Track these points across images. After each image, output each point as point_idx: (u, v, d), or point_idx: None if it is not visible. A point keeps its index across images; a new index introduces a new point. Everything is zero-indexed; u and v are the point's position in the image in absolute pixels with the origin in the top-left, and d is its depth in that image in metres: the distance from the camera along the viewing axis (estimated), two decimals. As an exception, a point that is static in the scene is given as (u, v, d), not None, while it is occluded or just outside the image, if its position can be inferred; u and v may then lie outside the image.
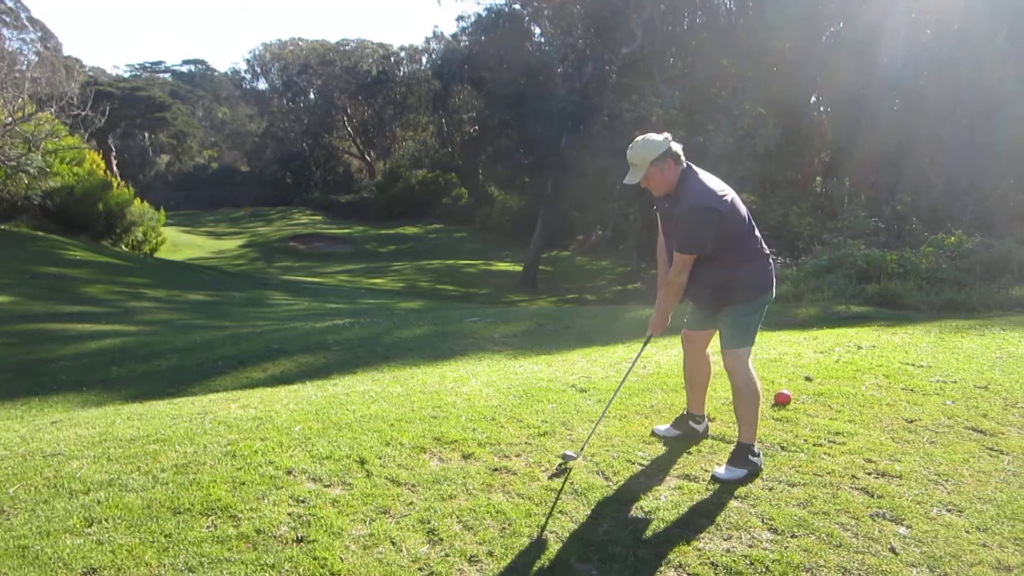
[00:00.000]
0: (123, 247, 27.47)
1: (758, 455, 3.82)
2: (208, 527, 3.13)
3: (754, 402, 3.82)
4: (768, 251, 3.95)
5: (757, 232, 3.89)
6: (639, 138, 3.78)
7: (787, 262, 14.70)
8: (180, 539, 3.04)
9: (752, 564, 2.99)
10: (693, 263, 3.75)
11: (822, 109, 28.12)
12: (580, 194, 31.52)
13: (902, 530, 3.29)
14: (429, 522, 3.22)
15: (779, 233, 18.00)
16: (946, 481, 3.78)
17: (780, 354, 6.23)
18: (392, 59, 63.52)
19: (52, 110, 23.78)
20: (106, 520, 3.18)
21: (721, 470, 3.75)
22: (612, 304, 22.12)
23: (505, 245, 42.92)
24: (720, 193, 3.72)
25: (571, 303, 26.54)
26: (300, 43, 66.68)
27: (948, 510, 3.49)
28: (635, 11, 28.09)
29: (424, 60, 60.36)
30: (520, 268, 34.83)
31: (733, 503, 3.48)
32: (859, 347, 6.57)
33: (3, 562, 2.87)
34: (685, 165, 3.78)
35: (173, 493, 3.40)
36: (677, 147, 3.76)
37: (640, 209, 25.98)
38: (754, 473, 3.74)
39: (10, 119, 22.42)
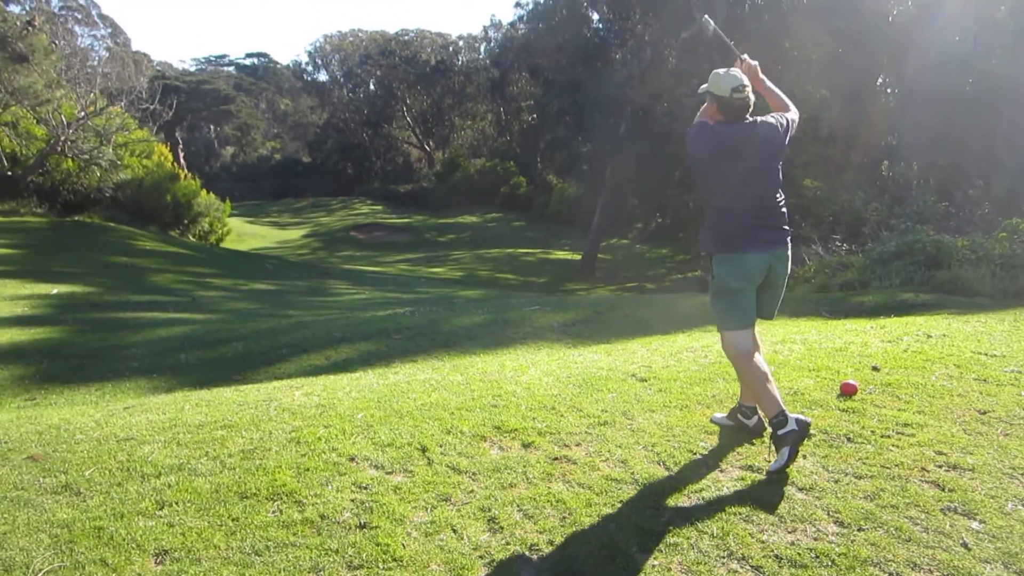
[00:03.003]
0: (190, 237, 28.17)
1: (787, 420, 3.60)
2: (274, 512, 3.20)
3: (748, 378, 3.81)
4: (763, 218, 3.82)
5: (760, 192, 3.83)
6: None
7: (852, 248, 14.35)
8: (247, 523, 3.11)
9: (818, 557, 2.93)
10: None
11: (889, 91, 27.38)
12: (639, 181, 31.26)
13: (975, 525, 3.19)
14: (489, 510, 3.24)
15: (843, 219, 17.59)
16: (1021, 475, 3.65)
17: (846, 343, 6.08)
18: (451, 48, 63.81)
19: (122, 104, 24.54)
20: (176, 503, 3.27)
21: (718, 416, 4.21)
22: (672, 293, 21.89)
23: (564, 233, 42.79)
24: (699, 132, 3.86)
25: (630, 292, 26.35)
26: (360, 35, 67.39)
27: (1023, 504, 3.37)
28: (695, -6, 27.66)
29: (482, 49, 60.47)
30: (579, 256, 34.70)
31: (798, 495, 3.42)
32: (928, 336, 6.38)
33: (80, 542, 2.98)
34: (725, 119, 3.80)
35: (240, 478, 3.48)
36: (727, 89, 3.72)
37: (698, 197, 25.68)
38: (799, 436, 3.57)
39: (83, 113, 23.17)
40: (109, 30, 64.49)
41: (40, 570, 2.80)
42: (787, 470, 3.61)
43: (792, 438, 3.56)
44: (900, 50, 22.59)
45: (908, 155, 23.29)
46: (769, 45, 25.88)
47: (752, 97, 3.78)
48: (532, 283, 29.15)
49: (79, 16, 61.37)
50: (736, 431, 4.11)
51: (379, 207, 53.77)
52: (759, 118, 3.81)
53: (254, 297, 15.76)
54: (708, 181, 3.92)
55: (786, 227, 3.90)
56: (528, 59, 35.27)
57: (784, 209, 3.92)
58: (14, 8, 29.62)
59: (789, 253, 3.92)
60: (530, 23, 35.67)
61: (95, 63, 30.16)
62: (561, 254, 37.91)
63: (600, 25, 35.20)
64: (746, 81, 3.77)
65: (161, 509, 3.24)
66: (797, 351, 5.83)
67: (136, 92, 25.39)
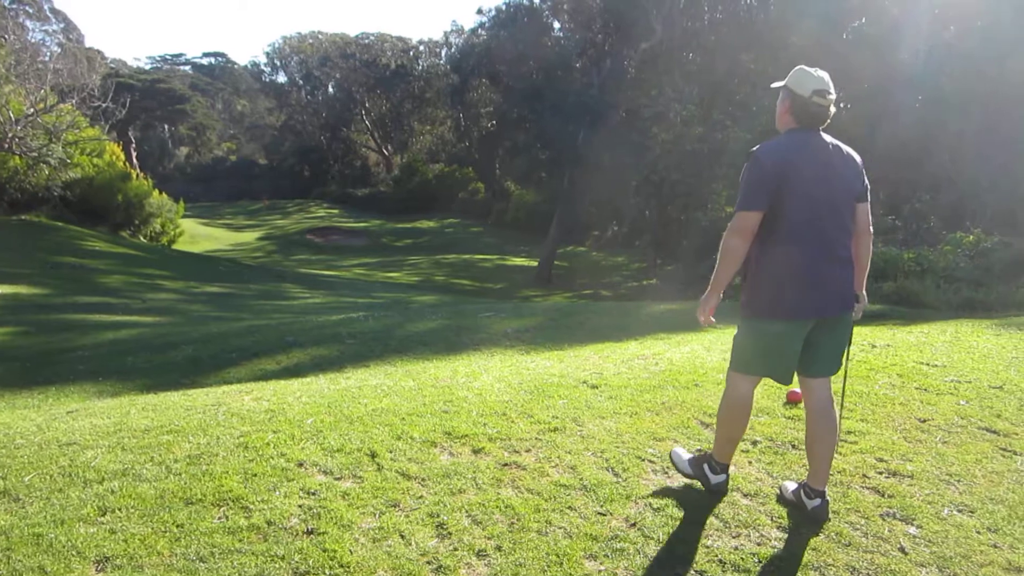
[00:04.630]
0: (141, 238, 27.69)
1: (716, 473, 3.49)
2: (220, 518, 3.16)
3: (724, 417, 3.48)
4: (826, 268, 3.23)
5: (834, 235, 3.24)
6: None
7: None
8: (192, 529, 3.06)
9: (760, 562, 2.99)
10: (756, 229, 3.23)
11: (842, 105, 27.94)
12: (596, 189, 31.50)
13: (912, 530, 3.28)
14: (438, 516, 3.23)
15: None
16: (958, 481, 3.76)
17: (794, 352, 6.20)
18: (411, 53, 63.74)
19: (74, 101, 24.03)
20: (119, 509, 3.21)
21: (680, 451, 3.74)
22: (627, 300, 22.06)
23: (521, 240, 42.92)
24: (784, 144, 3.24)
25: (586, 299, 26.50)
26: (320, 36, 66.99)
27: (959, 510, 3.47)
28: (655, 6, 28.00)
29: (443, 54, 60.44)
30: (536, 263, 34.85)
31: (743, 500, 3.48)
32: (873, 346, 6.53)
33: (18, 549, 2.91)
34: (796, 127, 3.28)
35: (186, 484, 3.43)
36: (808, 89, 3.23)
37: (656, 205, 25.93)
38: (706, 485, 3.51)
39: (32, 110, 22.64)
40: (62, 25, 63.22)
41: (-25, 578, 2.73)
42: (733, 476, 3.67)
43: (701, 479, 3.55)
44: (853, 67, 23.05)
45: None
46: (727, 58, 26.32)
47: (834, 109, 3.27)
48: (489, 289, 29.17)
49: (30, 10, 60.05)
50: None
51: (336, 211, 53.44)
52: (835, 140, 3.31)
53: (206, 300, 15.54)
54: (778, 203, 3.17)
55: (852, 290, 3.36)
56: (488, 66, 35.37)
57: (853, 270, 3.35)
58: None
59: (852, 314, 3.41)
60: (491, 30, 35.79)
61: (46, 59, 29.54)
62: (518, 260, 38.01)
63: (561, 34, 35.46)
64: (832, 89, 3.24)
65: (103, 515, 3.17)
66: (746, 360, 5.92)
67: (88, 89, 24.86)
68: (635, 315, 9.94)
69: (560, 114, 30.15)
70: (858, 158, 3.36)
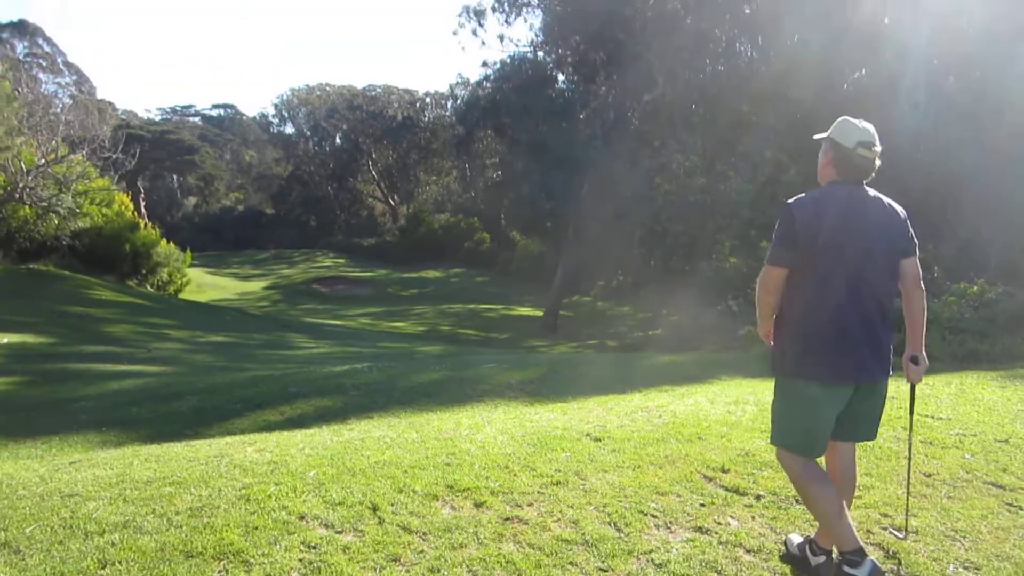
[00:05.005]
0: (148, 287, 27.83)
1: (863, 561, 3.04)
2: (220, 571, 3.15)
3: (810, 499, 3.19)
4: (861, 330, 3.11)
5: (870, 291, 3.12)
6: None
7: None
8: (191, 584, 3.05)
9: (763, 620, 2.96)
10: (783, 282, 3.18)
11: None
12: (601, 240, 31.62)
13: (917, 588, 3.25)
14: (439, 571, 3.22)
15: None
16: (963, 537, 3.73)
17: (797, 405, 6.19)
18: (417, 104, 64.60)
19: (84, 152, 24.36)
20: (119, 562, 3.20)
21: (795, 537, 3.49)
22: (633, 350, 22.03)
23: (526, 289, 43.00)
24: (818, 197, 3.16)
25: (592, 349, 26.45)
26: (327, 88, 68.02)
27: (965, 567, 3.44)
28: (657, 59, 28.40)
29: (449, 106, 61.21)
30: (541, 313, 34.84)
31: (745, 557, 3.45)
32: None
33: (17, 603, 2.90)
34: (838, 179, 3.20)
35: (187, 536, 3.43)
36: (852, 140, 3.15)
37: (660, 256, 25.99)
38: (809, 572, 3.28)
39: (43, 160, 22.95)
40: (74, 78, 64.43)
41: (-27, 632, 2.72)
42: (736, 531, 3.65)
43: (810, 570, 3.27)
44: (852, 116, 23.31)
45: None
46: (728, 109, 26.62)
47: (879, 162, 3.19)
48: (494, 339, 29.14)
49: (44, 63, 61.30)
50: (692, 496, 4.13)
51: (342, 260, 53.70)
52: (878, 194, 3.22)
53: (211, 350, 15.56)
54: (809, 258, 3.09)
55: (889, 353, 3.24)
56: (493, 118, 35.81)
57: (891, 332, 3.25)
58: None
59: (887, 382, 3.31)
60: (496, 83, 36.28)
61: (58, 110, 30.03)
62: (524, 310, 38.03)
63: (565, 86, 35.93)
64: (878, 140, 3.16)
65: (103, 568, 3.16)
66: (750, 412, 5.92)
67: (99, 141, 25.21)
68: (638, 366, 9.94)
69: (564, 165, 30.40)
70: (902, 212, 3.24)
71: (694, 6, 28.48)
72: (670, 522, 3.78)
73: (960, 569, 3.42)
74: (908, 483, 3.77)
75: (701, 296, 20.64)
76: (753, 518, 3.86)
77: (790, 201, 3.17)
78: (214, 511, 3.71)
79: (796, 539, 3.47)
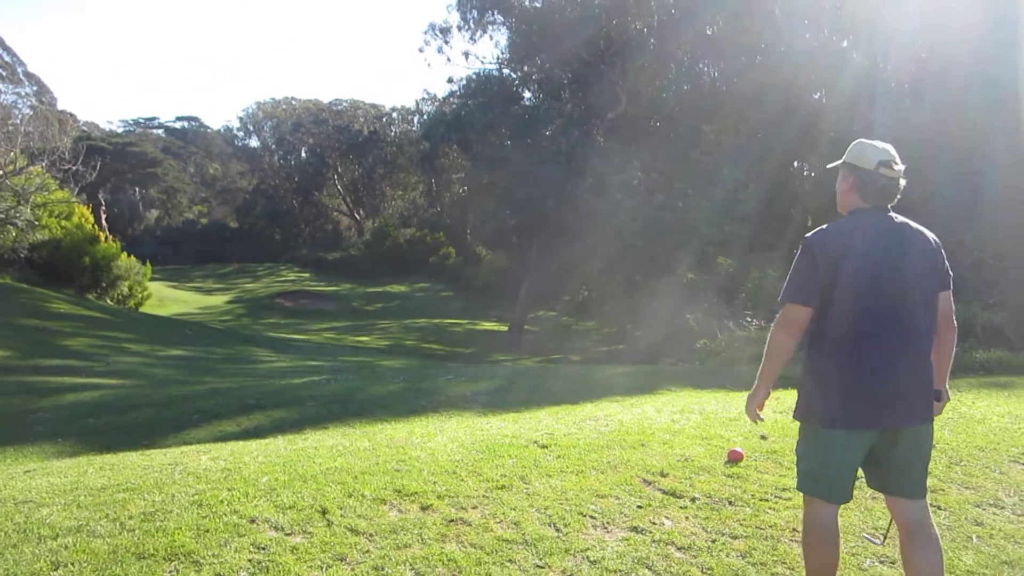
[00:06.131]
0: (108, 301, 27.53)
1: None
2: (170, 572, 3.26)
3: (804, 546, 3.10)
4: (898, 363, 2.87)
5: (905, 324, 2.88)
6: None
7: (762, 324, 14.99)
8: (142, 583, 3.16)
9: (687, 611, 3.15)
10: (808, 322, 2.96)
11: (806, 174, 28.76)
12: (565, 255, 31.92)
13: (833, 581, 3.45)
14: (383, 569, 3.36)
15: (755, 296, 18.33)
16: (882, 535, 3.94)
17: (740, 413, 6.42)
18: (384, 119, 64.65)
19: (44, 164, 24.12)
20: (72, 564, 3.30)
21: None
22: (596, 365, 22.27)
23: (491, 305, 43.13)
24: (841, 228, 2.97)
25: (555, 363, 26.66)
26: (293, 102, 67.84)
27: (881, 562, 3.66)
28: (620, 78, 28.88)
29: (416, 121, 61.38)
30: (506, 328, 35.00)
31: (676, 554, 3.64)
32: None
33: (-30, 602, 3.00)
34: (867, 205, 3.00)
35: (139, 539, 3.53)
36: (872, 161, 2.97)
37: (624, 272, 26.32)
38: None
39: (1, 172, 22.72)
40: (35, 88, 63.44)
41: (-73, 629, 2.81)
42: (669, 531, 3.85)
43: None
44: (814, 137, 23.82)
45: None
46: (691, 129, 27.12)
47: (904, 182, 3.00)
48: (459, 353, 29.22)
49: (3, 73, 60.38)
50: (632, 499, 4.31)
51: (306, 274, 53.46)
52: (906, 220, 3.01)
53: (171, 363, 15.50)
54: (831, 295, 2.88)
55: (927, 396, 2.96)
56: (459, 133, 36.05)
57: (929, 371, 2.97)
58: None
59: (930, 429, 3.02)
60: (462, 99, 36.54)
61: (18, 121, 29.69)
62: (488, 325, 38.16)
63: (530, 103, 36.28)
64: (898, 159, 3.00)
65: (56, 569, 3.26)
66: (694, 420, 6.14)
67: (59, 152, 24.99)
68: (593, 378, 10.14)
69: (529, 181, 30.69)
70: (934, 239, 2.99)
71: (657, 28, 29.00)
72: (607, 523, 3.96)
73: (876, 563, 3.64)
74: None
75: (661, 311, 20.98)
76: (687, 519, 4.06)
77: (809, 235, 2.96)
78: (167, 515, 3.82)
79: None
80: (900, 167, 2.96)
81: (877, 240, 2.89)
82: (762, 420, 3.24)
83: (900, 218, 2.98)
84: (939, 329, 2.99)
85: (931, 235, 2.99)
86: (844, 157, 3.06)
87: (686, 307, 19.16)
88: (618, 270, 27.02)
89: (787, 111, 24.94)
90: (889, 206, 2.99)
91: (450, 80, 40.65)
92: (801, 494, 3.13)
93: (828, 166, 3.23)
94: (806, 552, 3.07)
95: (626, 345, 28.32)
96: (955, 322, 3.06)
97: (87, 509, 3.93)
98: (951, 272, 3.03)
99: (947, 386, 3.11)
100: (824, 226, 2.97)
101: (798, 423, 3.13)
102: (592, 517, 4.02)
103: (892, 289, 2.85)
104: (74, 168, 25.11)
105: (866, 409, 2.84)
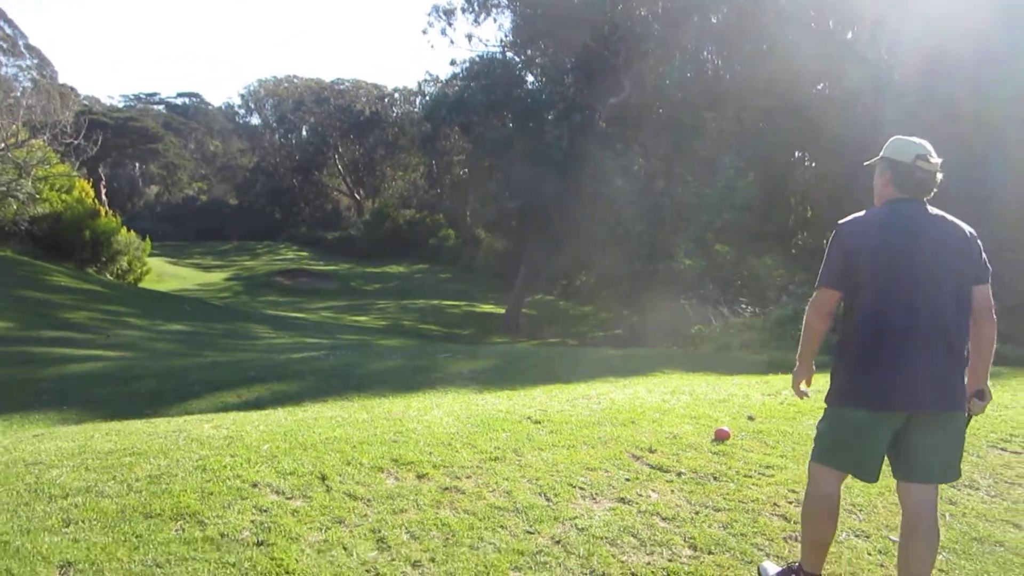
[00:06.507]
0: (108, 276, 27.66)
1: None
2: (176, 530, 3.42)
3: (805, 516, 3.22)
4: (924, 352, 2.92)
5: (930, 309, 2.93)
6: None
7: (757, 311, 15.15)
8: (150, 539, 3.31)
9: (668, 575, 3.31)
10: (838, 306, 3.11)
11: (807, 164, 28.79)
12: (564, 239, 32.03)
13: (810, 551, 3.62)
14: (379, 532, 3.52)
15: (751, 283, 18.50)
16: (859, 511, 4.11)
17: (730, 395, 6.58)
18: (386, 100, 64.54)
19: (45, 137, 24.18)
20: (82, 521, 3.45)
21: (768, 565, 3.40)
22: (589, 347, 22.45)
23: (490, 287, 43.30)
24: (871, 217, 3.08)
25: (552, 346, 26.85)
26: (295, 80, 67.71)
27: (856, 535, 3.82)
28: (624, 64, 28.89)
29: (418, 102, 61.25)
30: (503, 310, 35.16)
31: (660, 524, 3.80)
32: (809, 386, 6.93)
33: (-14, 554, 3.15)
34: (903, 196, 3.07)
35: (146, 500, 3.69)
36: (910, 155, 3.06)
37: (622, 256, 26.45)
38: None
39: (2, 145, 22.78)
40: (35, 61, 63.23)
41: (-54, 577, 2.97)
42: (655, 502, 4.01)
43: None
44: (818, 128, 23.83)
45: (822, 224, 24.50)
46: (693, 116, 27.15)
47: (940, 175, 3.06)
48: (456, 335, 29.40)
49: (4, 46, 60.17)
50: (620, 472, 4.47)
51: (305, 253, 53.60)
52: (943, 213, 3.06)
53: (170, 337, 15.65)
54: (858, 281, 3.00)
55: (958, 384, 2.99)
56: (460, 115, 36.04)
57: (961, 360, 3.00)
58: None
59: (961, 416, 3.05)
60: (464, 81, 36.53)
61: (19, 94, 29.71)
62: (487, 307, 38.33)
63: (533, 87, 36.26)
64: (935, 153, 3.06)
65: (67, 527, 3.41)
66: (684, 401, 6.30)
67: (60, 126, 25.04)
68: (587, 359, 10.31)
69: (529, 164, 30.75)
70: (970, 231, 3.03)
71: (662, 15, 28.97)
72: (596, 494, 4.12)
73: (852, 536, 3.79)
74: None
75: (659, 296, 21.14)
76: (672, 492, 4.21)
77: (841, 221, 3.07)
78: (172, 479, 3.97)
79: (771, 568, 3.38)
80: (937, 160, 3.03)
81: (906, 230, 2.97)
82: (808, 396, 3.40)
83: (936, 211, 3.04)
84: (976, 323, 3.03)
85: (967, 228, 3.04)
86: (882, 152, 3.15)
87: (682, 293, 19.31)
88: (617, 255, 27.15)
89: (790, 102, 24.97)
90: (926, 199, 3.06)
91: (453, 62, 40.57)
92: (797, 469, 3.23)
93: (865, 163, 3.29)
94: (805, 525, 3.19)
95: (623, 330, 28.51)
96: (994, 316, 3.06)
97: (95, 471, 4.08)
98: (989, 266, 3.04)
99: (988, 384, 3.11)
100: (858, 213, 3.08)
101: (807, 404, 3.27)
102: (581, 488, 4.18)
103: (918, 279, 2.91)
104: (75, 142, 25.16)
105: (885, 392, 2.92)
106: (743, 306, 15.84)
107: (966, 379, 3.01)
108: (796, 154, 28.12)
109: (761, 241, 23.23)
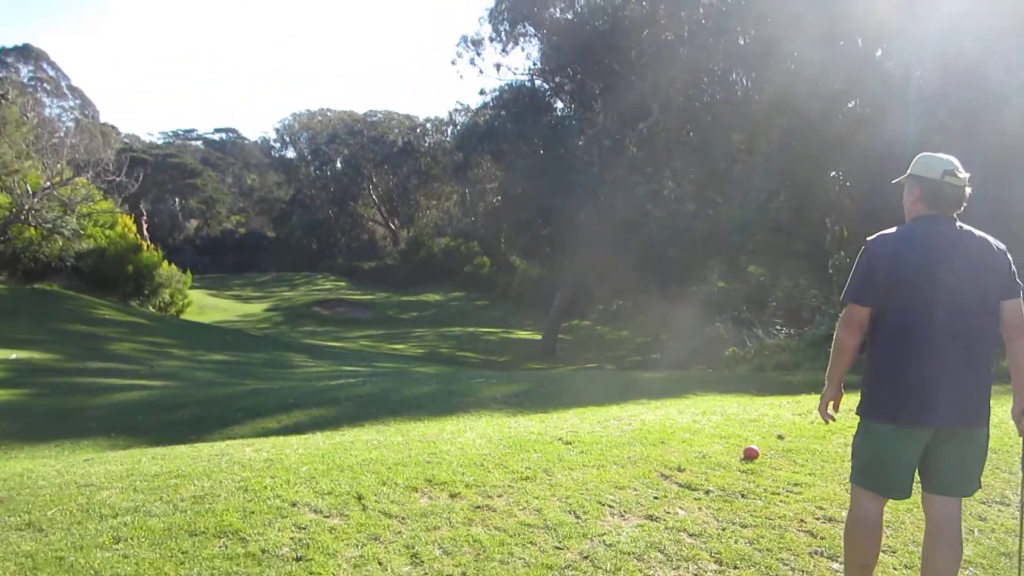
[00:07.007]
0: (151, 308, 28.24)
1: None
2: (220, 547, 3.58)
3: (846, 538, 3.25)
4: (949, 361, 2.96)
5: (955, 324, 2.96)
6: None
7: (791, 332, 15.10)
8: (195, 555, 3.48)
9: (694, 588, 3.40)
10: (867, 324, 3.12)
11: (841, 183, 28.55)
12: (599, 264, 32.08)
13: (835, 566, 3.67)
14: (413, 548, 3.65)
15: (786, 304, 18.42)
16: (887, 527, 4.13)
17: (760, 415, 6.63)
18: (418, 130, 65.27)
19: (88, 175, 24.96)
20: (131, 539, 3.64)
21: None
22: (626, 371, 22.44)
23: (526, 313, 43.37)
24: (900, 233, 3.11)
25: (586, 371, 26.84)
26: (328, 113, 68.79)
27: (884, 551, 3.85)
28: (652, 88, 29.03)
29: (449, 131, 61.88)
30: (540, 336, 35.20)
31: (687, 539, 3.88)
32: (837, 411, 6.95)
33: (43, 569, 3.33)
34: (932, 212, 3.11)
35: (191, 519, 3.86)
36: (938, 171, 3.10)
37: (657, 280, 26.44)
38: None
39: (48, 183, 23.52)
40: (78, 102, 65.36)
41: (6, 591, 3.15)
42: (682, 519, 4.08)
43: None
44: (849, 146, 23.70)
45: (857, 243, 24.27)
46: (722, 138, 27.17)
47: (969, 190, 3.11)
48: (493, 362, 29.51)
49: (48, 87, 62.21)
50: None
51: (342, 283, 54.17)
52: (971, 228, 3.10)
53: (212, 367, 15.98)
54: (885, 296, 3.04)
55: (981, 401, 3.05)
56: (491, 144, 36.41)
57: (986, 377, 3.04)
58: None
59: (984, 432, 3.09)
60: (494, 109, 36.95)
61: (62, 134, 30.70)
62: (523, 334, 38.41)
63: (562, 113, 36.56)
64: (963, 169, 3.10)
65: (117, 543, 3.60)
66: (714, 421, 6.36)
67: (103, 164, 25.83)
68: (621, 383, 10.38)
69: (561, 191, 30.94)
70: (999, 246, 3.06)
71: (688, 38, 29.11)
72: (624, 511, 4.21)
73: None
74: (1022, 537, 3.32)
75: (693, 319, 21.11)
76: (700, 509, 4.29)
77: (870, 238, 3.11)
78: (215, 499, 4.15)
79: None
80: (964, 175, 3.07)
81: (934, 246, 2.99)
82: (833, 419, 3.36)
83: (964, 226, 3.07)
84: (1009, 338, 3.03)
85: (996, 243, 3.07)
86: (909, 170, 3.20)
87: (716, 315, 19.27)
88: (651, 279, 27.14)
89: (820, 120, 24.87)
90: (955, 215, 3.09)
91: (482, 92, 41.25)
92: (834, 487, 3.27)
93: (894, 181, 3.33)
94: (846, 547, 3.22)
95: (660, 353, 28.43)
96: None
97: (143, 492, 4.28)
98: (1020, 281, 3.04)
99: None
100: (886, 230, 3.11)
101: (833, 423, 3.39)
102: (610, 506, 4.27)
103: (944, 295, 2.94)
104: (117, 179, 25.95)
105: (913, 407, 2.95)
106: (777, 327, 15.79)
107: (1012, 396, 3.05)
108: (831, 173, 27.97)
109: (795, 261, 23.09)
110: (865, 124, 23.83)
